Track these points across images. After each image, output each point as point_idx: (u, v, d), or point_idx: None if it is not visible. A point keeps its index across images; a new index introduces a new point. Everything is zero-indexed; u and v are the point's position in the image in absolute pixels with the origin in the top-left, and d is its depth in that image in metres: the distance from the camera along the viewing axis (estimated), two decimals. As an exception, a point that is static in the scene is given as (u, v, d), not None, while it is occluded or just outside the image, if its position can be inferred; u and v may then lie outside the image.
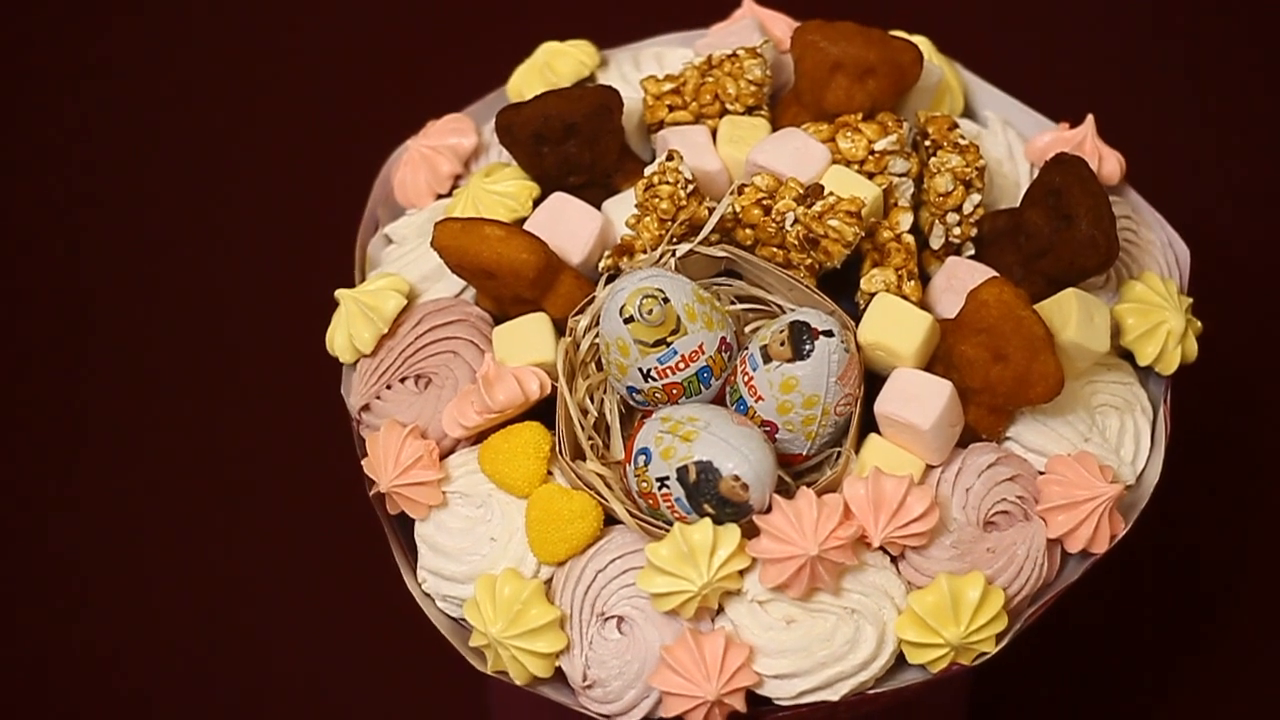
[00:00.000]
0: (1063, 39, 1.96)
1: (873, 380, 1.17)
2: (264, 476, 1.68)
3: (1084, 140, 1.30)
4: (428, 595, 1.19)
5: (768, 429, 1.14)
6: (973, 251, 1.23)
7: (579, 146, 1.24)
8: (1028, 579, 1.15)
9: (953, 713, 1.45)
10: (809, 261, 1.19)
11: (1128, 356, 1.24)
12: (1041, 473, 1.18)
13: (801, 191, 1.19)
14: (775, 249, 1.20)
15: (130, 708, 1.57)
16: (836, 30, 1.24)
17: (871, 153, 1.23)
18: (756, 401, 1.13)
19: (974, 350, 1.15)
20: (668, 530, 1.11)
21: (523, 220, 1.24)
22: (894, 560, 1.15)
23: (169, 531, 1.66)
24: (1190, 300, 1.25)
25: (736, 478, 1.09)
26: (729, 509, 1.10)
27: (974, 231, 1.23)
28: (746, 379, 1.14)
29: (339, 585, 1.61)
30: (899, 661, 1.14)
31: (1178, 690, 1.55)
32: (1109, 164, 1.30)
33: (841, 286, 1.21)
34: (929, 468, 1.16)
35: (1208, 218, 1.74)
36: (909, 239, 1.20)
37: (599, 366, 1.20)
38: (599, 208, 1.24)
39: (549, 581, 1.16)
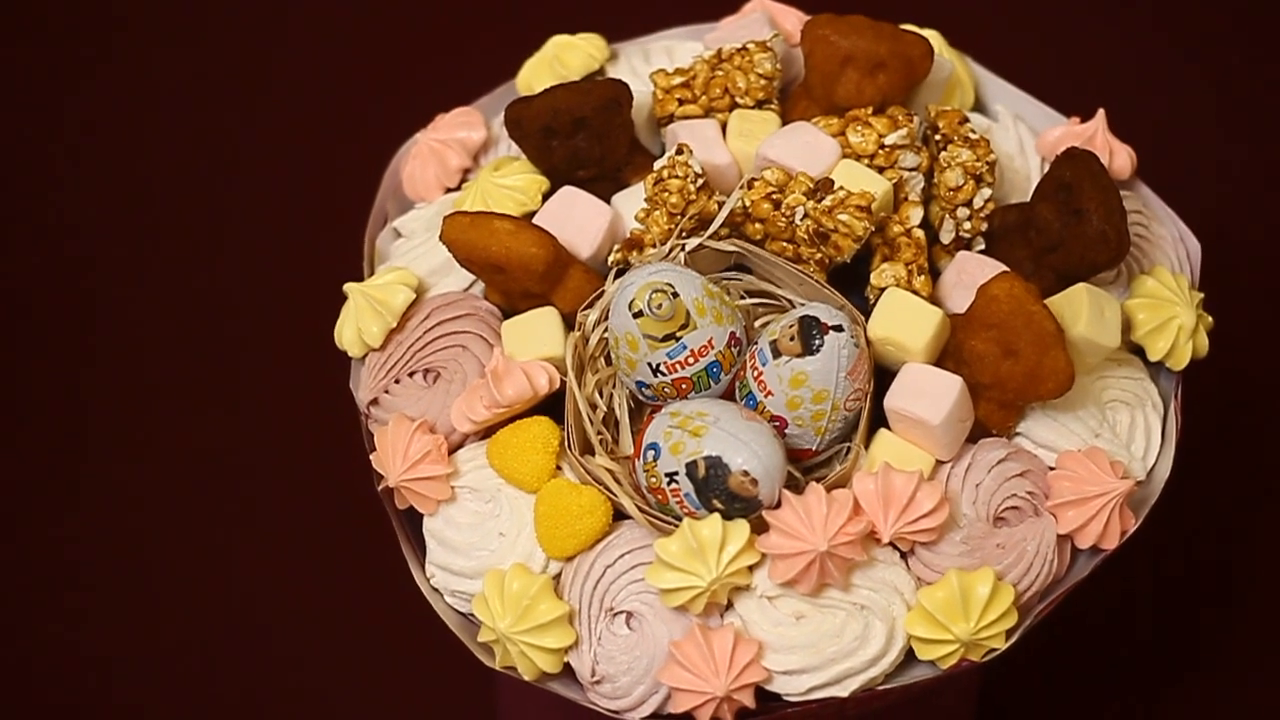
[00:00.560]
0: (1073, 33, 1.95)
1: (882, 375, 1.17)
2: (272, 470, 1.68)
3: (1095, 134, 1.30)
4: (436, 590, 1.19)
5: (777, 424, 1.14)
6: (983, 246, 1.23)
7: (588, 140, 1.24)
8: (1038, 575, 1.15)
9: (961, 708, 1.44)
10: (819, 256, 1.19)
11: (1138, 352, 1.24)
12: (1052, 468, 1.17)
13: (811, 186, 1.18)
14: (785, 243, 1.20)
15: (134, 703, 1.57)
16: (847, 24, 1.24)
17: (882, 147, 1.22)
18: (766, 396, 1.13)
19: (984, 345, 1.14)
20: (677, 526, 1.11)
21: (532, 214, 1.24)
22: (904, 556, 1.15)
23: (176, 526, 1.66)
24: (1201, 295, 1.25)
25: (746, 473, 1.09)
26: (738, 504, 1.10)
27: (984, 226, 1.22)
28: (756, 374, 1.13)
29: (346, 580, 1.60)
30: (908, 657, 1.14)
31: (1186, 686, 1.55)
32: (1120, 158, 1.30)
33: (851, 281, 1.21)
34: (939, 463, 1.16)
35: (1219, 212, 1.73)
36: (919, 234, 1.20)
37: (608, 361, 1.20)
38: (608, 202, 1.24)
39: (558, 577, 1.16)
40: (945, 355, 1.17)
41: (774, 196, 1.19)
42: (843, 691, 1.12)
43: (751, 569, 1.12)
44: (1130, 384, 1.22)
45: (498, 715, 1.48)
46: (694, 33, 1.39)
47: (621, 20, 1.46)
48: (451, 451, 1.20)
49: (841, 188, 1.18)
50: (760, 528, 1.11)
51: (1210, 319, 1.25)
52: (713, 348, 1.14)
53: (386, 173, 1.35)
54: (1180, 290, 1.23)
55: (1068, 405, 1.19)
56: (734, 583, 1.11)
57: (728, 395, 1.17)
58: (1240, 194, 1.81)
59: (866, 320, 1.17)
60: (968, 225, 1.22)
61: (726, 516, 1.10)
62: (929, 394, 1.14)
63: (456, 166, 1.33)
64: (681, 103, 1.28)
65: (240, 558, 1.64)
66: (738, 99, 1.27)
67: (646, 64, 1.37)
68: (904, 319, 1.16)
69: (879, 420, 1.16)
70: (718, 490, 1.09)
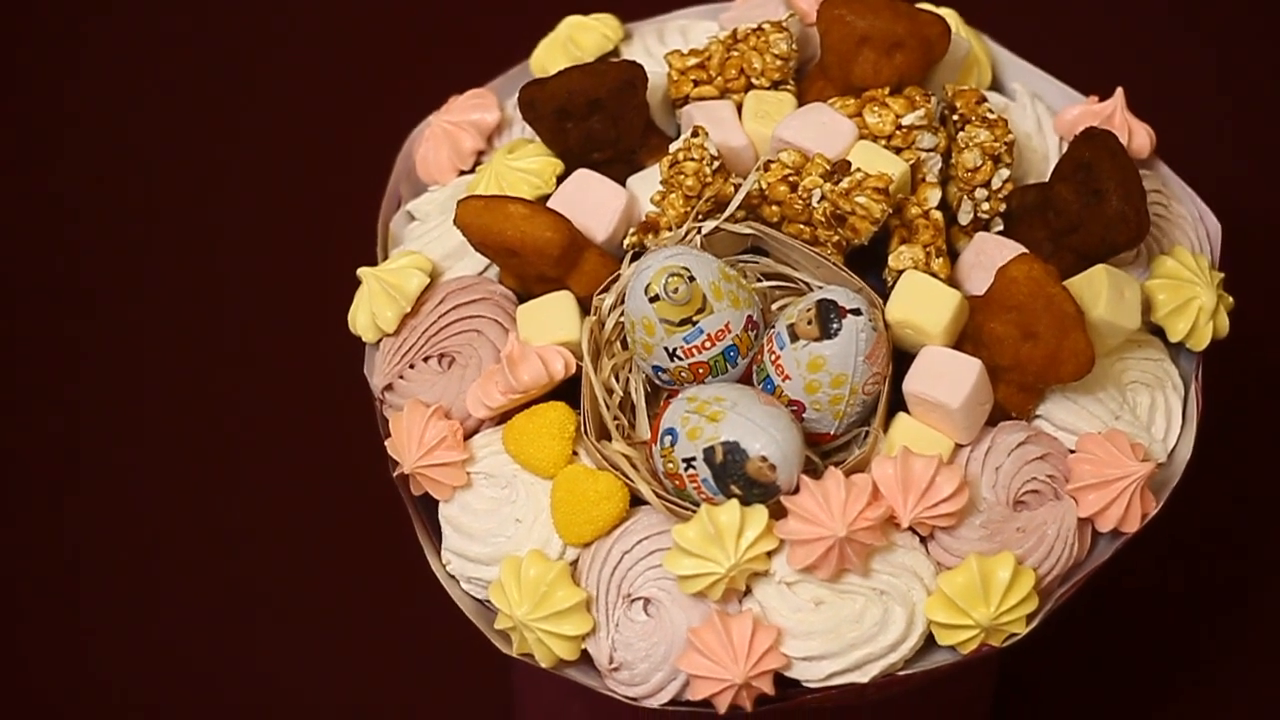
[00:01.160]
0: (1090, 10, 1.94)
1: (901, 358, 1.16)
2: (286, 456, 1.67)
3: (1113, 113, 1.29)
4: (452, 577, 1.18)
5: (795, 408, 1.13)
6: (1001, 227, 1.22)
7: (603, 122, 1.23)
8: (1058, 559, 1.14)
9: (980, 692, 1.44)
10: (836, 238, 1.18)
11: (1158, 332, 1.23)
12: (1072, 451, 1.17)
13: (828, 168, 1.18)
14: (802, 226, 1.19)
15: (145, 694, 1.57)
16: (863, 3, 1.23)
17: (899, 127, 1.21)
18: (784, 380, 1.12)
19: (1003, 328, 1.14)
20: (694, 511, 1.10)
21: (546, 197, 1.23)
22: (923, 541, 1.14)
23: (189, 514, 1.65)
24: (1222, 275, 1.24)
25: (764, 458, 1.08)
26: (756, 490, 1.09)
27: (1003, 207, 1.22)
28: (773, 358, 1.13)
29: (361, 566, 1.60)
30: (928, 643, 1.13)
31: (1208, 670, 1.54)
32: (1139, 137, 1.29)
33: (869, 261, 1.20)
34: (958, 447, 1.15)
35: (1239, 191, 1.72)
36: (937, 215, 1.19)
37: (624, 345, 1.19)
38: (623, 184, 1.23)
39: (575, 563, 1.15)
40: (964, 338, 1.17)
41: (791, 179, 1.18)
42: (863, 678, 1.11)
43: (770, 555, 1.11)
44: (1150, 365, 1.22)
45: (513, 702, 1.47)
46: (708, 12, 1.38)
47: (636, 0, 1.45)
48: (467, 437, 1.19)
49: (859, 169, 1.17)
50: (779, 513, 1.10)
51: (1231, 299, 1.24)
52: (729, 332, 1.13)
53: (400, 155, 1.35)
54: (1200, 270, 1.22)
55: (1087, 387, 1.18)
56: (752, 569, 1.10)
57: (745, 379, 1.16)
58: (1261, 172, 1.80)
59: (884, 303, 1.16)
60: (986, 206, 1.21)
61: (745, 502, 1.10)
62: (948, 377, 1.13)
63: (470, 149, 1.32)
64: (697, 84, 1.27)
65: (255, 545, 1.63)
66: (753, 80, 1.26)
67: (661, 44, 1.36)
68: (922, 302, 1.15)
69: (897, 404, 1.16)
70: (736, 476, 1.09)
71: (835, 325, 1.10)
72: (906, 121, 1.21)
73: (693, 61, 1.27)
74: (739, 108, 1.26)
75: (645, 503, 1.14)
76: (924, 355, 1.14)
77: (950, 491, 1.11)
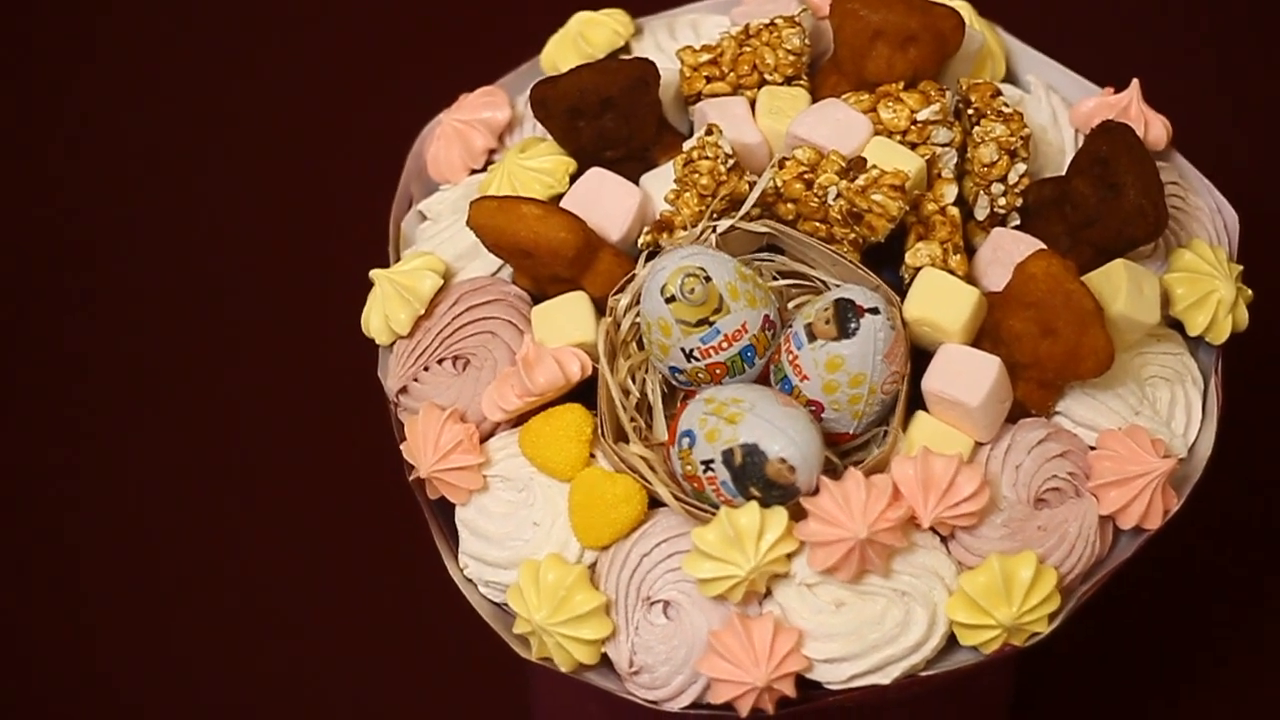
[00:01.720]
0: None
1: (919, 356, 1.15)
2: (301, 460, 1.67)
3: (1129, 105, 1.28)
4: (470, 581, 1.18)
5: (813, 408, 1.12)
6: (1018, 222, 1.21)
7: (615, 120, 1.22)
8: (1080, 557, 1.13)
9: (1000, 690, 1.43)
10: (852, 236, 1.17)
11: (1177, 326, 1.22)
12: (1092, 448, 1.16)
13: (844, 165, 1.17)
14: (818, 223, 1.18)
15: (147, 693, 1.57)
16: (876, -3, 1.22)
17: (914, 123, 1.21)
18: (802, 381, 1.12)
19: (1022, 325, 1.13)
20: (713, 514, 1.09)
21: (559, 197, 1.22)
22: (944, 540, 1.13)
23: (202, 519, 1.65)
24: (1240, 268, 1.23)
25: (783, 460, 1.07)
26: (776, 492, 1.08)
27: (1019, 202, 1.21)
28: (791, 358, 1.12)
29: (378, 570, 1.60)
30: (950, 643, 1.13)
31: (1229, 667, 1.54)
32: (1155, 129, 1.28)
33: (885, 259, 1.19)
34: (978, 445, 1.14)
35: (1256, 182, 1.71)
36: (954, 211, 1.18)
37: (640, 346, 1.18)
38: (636, 182, 1.22)
39: (593, 566, 1.14)
40: (983, 335, 1.16)
41: (806, 176, 1.17)
42: (884, 679, 1.11)
43: (790, 557, 1.10)
44: (1170, 360, 1.21)
45: (532, 706, 1.47)
46: (719, 6, 1.37)
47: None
48: (483, 440, 1.18)
49: (875, 166, 1.16)
50: (798, 515, 1.10)
51: (1250, 292, 1.23)
52: (747, 331, 1.13)
53: (410, 154, 1.34)
54: (1219, 263, 1.22)
55: (1107, 383, 1.17)
56: (772, 571, 1.10)
57: (763, 379, 1.15)
58: (1278, 163, 1.79)
59: (901, 299, 1.15)
60: (1003, 201, 1.20)
61: (764, 504, 1.09)
62: (967, 375, 1.12)
63: (481, 147, 1.31)
64: (709, 80, 1.26)
65: (269, 550, 1.63)
66: (766, 76, 1.26)
67: (672, 39, 1.35)
68: (940, 299, 1.14)
69: (916, 402, 1.15)
70: (755, 478, 1.08)
71: (853, 324, 1.09)
72: (921, 116, 1.20)
73: (705, 58, 1.26)
74: (752, 104, 1.25)
75: (664, 505, 1.13)
76: (942, 353, 1.14)
77: (971, 491, 1.10)
